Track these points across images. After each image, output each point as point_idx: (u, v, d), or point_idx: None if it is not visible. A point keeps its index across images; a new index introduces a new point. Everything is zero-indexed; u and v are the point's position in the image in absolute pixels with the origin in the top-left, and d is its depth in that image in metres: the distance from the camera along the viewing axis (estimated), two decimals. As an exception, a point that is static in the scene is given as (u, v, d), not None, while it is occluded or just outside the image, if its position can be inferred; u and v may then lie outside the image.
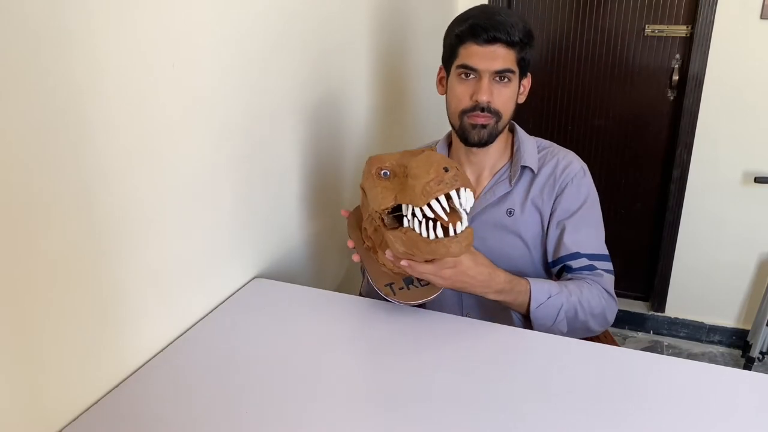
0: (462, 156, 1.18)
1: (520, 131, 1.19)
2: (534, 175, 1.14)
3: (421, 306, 1.00)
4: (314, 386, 0.82)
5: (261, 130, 1.10)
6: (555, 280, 1.10)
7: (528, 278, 1.02)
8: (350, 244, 1.06)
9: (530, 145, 1.16)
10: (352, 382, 0.84)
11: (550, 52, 2.28)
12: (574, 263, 1.10)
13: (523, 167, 1.14)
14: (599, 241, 1.13)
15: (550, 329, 1.01)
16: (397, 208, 0.88)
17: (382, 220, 0.91)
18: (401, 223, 0.88)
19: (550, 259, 1.14)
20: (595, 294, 1.06)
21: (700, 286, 2.32)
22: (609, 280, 1.10)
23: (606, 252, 1.13)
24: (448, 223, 0.82)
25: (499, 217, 1.15)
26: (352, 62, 1.44)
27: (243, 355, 0.89)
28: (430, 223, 0.83)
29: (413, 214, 0.84)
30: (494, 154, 1.17)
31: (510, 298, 1.00)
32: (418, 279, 0.99)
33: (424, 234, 0.83)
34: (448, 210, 0.81)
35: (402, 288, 0.99)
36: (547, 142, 1.19)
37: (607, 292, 1.08)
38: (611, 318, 1.09)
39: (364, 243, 1.05)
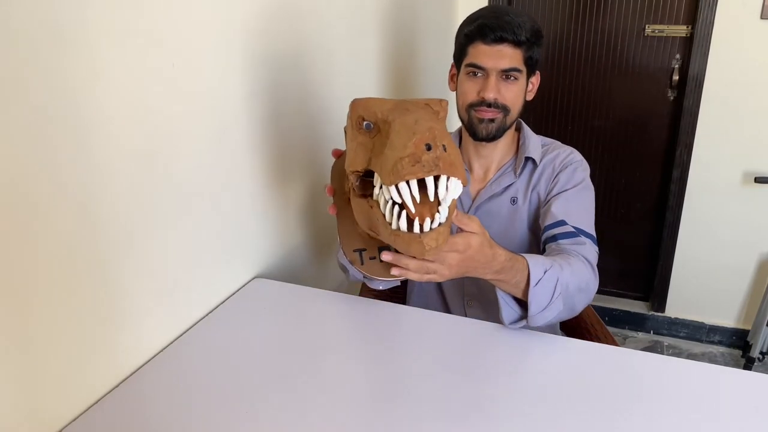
0: (471, 150, 1.21)
1: (527, 128, 1.23)
2: (536, 166, 1.17)
3: (393, 288, 0.87)
4: (314, 386, 0.82)
5: (262, 130, 1.10)
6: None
7: (523, 254, 0.94)
8: (329, 191, 0.91)
9: (534, 140, 1.20)
10: (352, 382, 0.83)
11: (550, 52, 2.28)
12: (558, 230, 1.07)
13: (527, 158, 1.17)
14: (588, 221, 1.11)
15: (545, 310, 0.93)
16: (370, 172, 0.73)
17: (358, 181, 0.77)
18: (371, 191, 0.73)
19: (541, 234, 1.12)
20: (581, 267, 1.00)
21: (700, 286, 2.32)
22: (592, 251, 1.06)
23: (594, 234, 1.10)
24: (415, 215, 0.66)
25: (503, 206, 1.18)
26: (356, 62, 1.44)
27: (243, 355, 0.89)
28: (396, 209, 0.68)
29: (381, 188, 0.69)
30: (502, 149, 1.20)
31: (508, 277, 0.90)
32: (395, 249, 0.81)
33: (388, 217, 0.69)
34: (417, 199, 0.65)
35: (374, 258, 0.82)
36: (550, 140, 1.23)
37: (590, 263, 1.03)
38: (594, 292, 1.04)
39: (345, 192, 0.87)
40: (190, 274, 0.95)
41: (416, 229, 0.66)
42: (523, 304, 0.95)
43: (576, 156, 1.17)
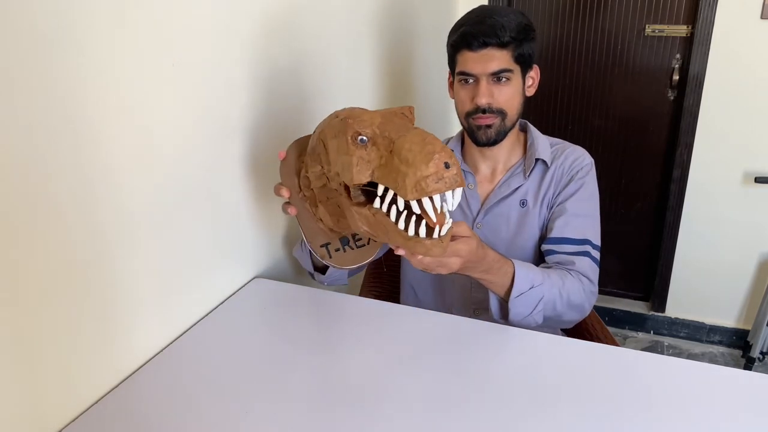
0: (476, 152, 1.20)
1: (534, 129, 1.21)
2: (546, 167, 1.16)
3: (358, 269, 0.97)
4: (314, 386, 0.82)
5: (263, 130, 1.10)
6: (542, 264, 1.09)
7: (513, 261, 0.98)
8: (285, 193, 0.94)
9: (543, 141, 1.19)
10: (353, 382, 0.84)
11: (550, 52, 2.28)
12: (559, 247, 1.10)
13: (537, 160, 1.16)
14: (593, 231, 1.13)
15: (524, 319, 0.98)
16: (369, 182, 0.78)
17: (347, 188, 0.80)
18: (369, 199, 0.78)
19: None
20: (577, 286, 1.03)
21: (700, 286, 2.32)
22: (591, 266, 1.09)
23: (597, 242, 1.12)
24: (435, 224, 0.73)
25: (512, 209, 1.17)
26: (356, 62, 1.44)
27: (243, 355, 0.89)
28: (413, 218, 0.74)
29: (393, 201, 0.75)
30: (507, 150, 1.19)
31: (494, 278, 0.96)
32: (353, 238, 0.93)
33: (401, 226, 0.75)
34: (439, 210, 0.73)
35: (338, 249, 0.91)
36: (558, 140, 1.22)
37: (588, 280, 1.06)
38: (589, 308, 1.08)
39: (300, 191, 0.93)
40: (190, 274, 0.95)
41: (435, 235, 0.74)
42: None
43: (585, 159, 1.16)
